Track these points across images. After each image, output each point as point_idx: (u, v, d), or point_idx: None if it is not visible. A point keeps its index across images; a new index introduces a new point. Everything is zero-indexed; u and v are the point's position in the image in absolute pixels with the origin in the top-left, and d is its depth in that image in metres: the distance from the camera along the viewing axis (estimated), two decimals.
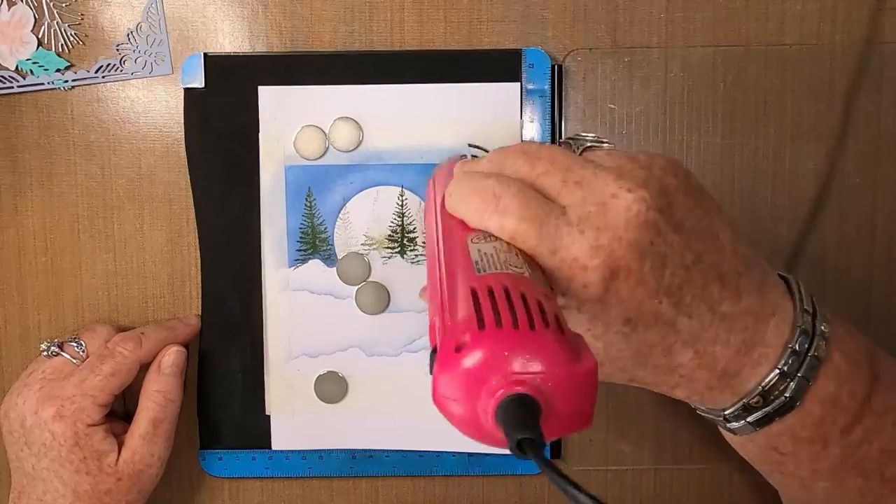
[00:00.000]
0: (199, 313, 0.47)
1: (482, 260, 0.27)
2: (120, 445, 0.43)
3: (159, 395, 0.44)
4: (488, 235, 0.29)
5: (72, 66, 0.46)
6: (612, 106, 0.46)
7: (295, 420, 0.47)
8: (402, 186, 0.46)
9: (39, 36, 0.45)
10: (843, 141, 0.46)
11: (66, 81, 0.46)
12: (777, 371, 0.31)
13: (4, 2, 0.45)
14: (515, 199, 0.28)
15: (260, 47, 0.46)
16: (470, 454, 0.47)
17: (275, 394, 0.47)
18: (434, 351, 0.26)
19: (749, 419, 0.32)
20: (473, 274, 0.27)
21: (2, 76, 0.45)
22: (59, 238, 0.47)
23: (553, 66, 0.45)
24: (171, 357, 0.44)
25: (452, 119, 0.45)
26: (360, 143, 0.46)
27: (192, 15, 0.46)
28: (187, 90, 0.46)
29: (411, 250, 0.46)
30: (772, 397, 0.31)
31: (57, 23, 0.45)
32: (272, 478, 0.48)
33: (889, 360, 0.34)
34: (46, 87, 0.46)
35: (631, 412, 0.48)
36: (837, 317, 0.33)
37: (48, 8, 0.45)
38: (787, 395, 0.31)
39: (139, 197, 0.47)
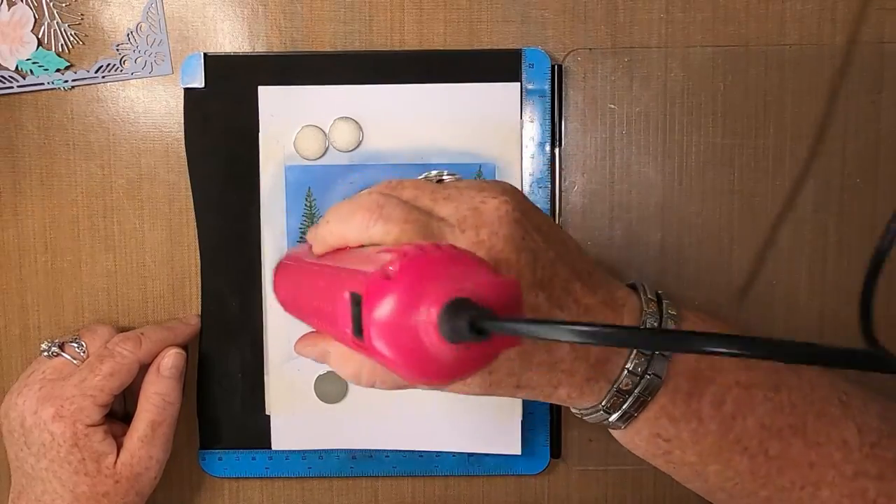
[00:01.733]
0: (199, 313, 0.47)
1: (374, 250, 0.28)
2: (119, 447, 0.43)
3: (158, 397, 0.44)
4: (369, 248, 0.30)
5: (72, 66, 0.46)
6: (612, 106, 0.46)
7: (295, 420, 0.47)
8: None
9: (39, 36, 0.45)
10: (843, 141, 0.46)
11: (66, 81, 0.46)
12: (635, 351, 0.33)
13: (4, 2, 0.45)
14: (398, 207, 0.30)
15: (260, 47, 0.46)
16: (470, 454, 0.47)
17: (275, 394, 0.47)
18: (356, 305, 0.25)
19: (625, 405, 0.34)
20: (375, 250, 0.28)
21: (2, 76, 0.45)
22: (59, 238, 0.47)
23: (553, 66, 0.45)
24: (171, 359, 0.45)
25: (452, 119, 0.45)
26: (360, 143, 0.46)
27: (192, 15, 0.46)
28: (187, 90, 0.46)
29: None
30: (638, 377, 0.33)
31: (57, 23, 0.45)
32: (272, 478, 0.48)
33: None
34: (46, 87, 0.46)
35: None
36: (688, 306, 0.36)
37: (48, 8, 0.45)
38: (650, 373, 0.33)
39: (139, 197, 0.47)
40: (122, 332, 0.45)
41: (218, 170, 0.46)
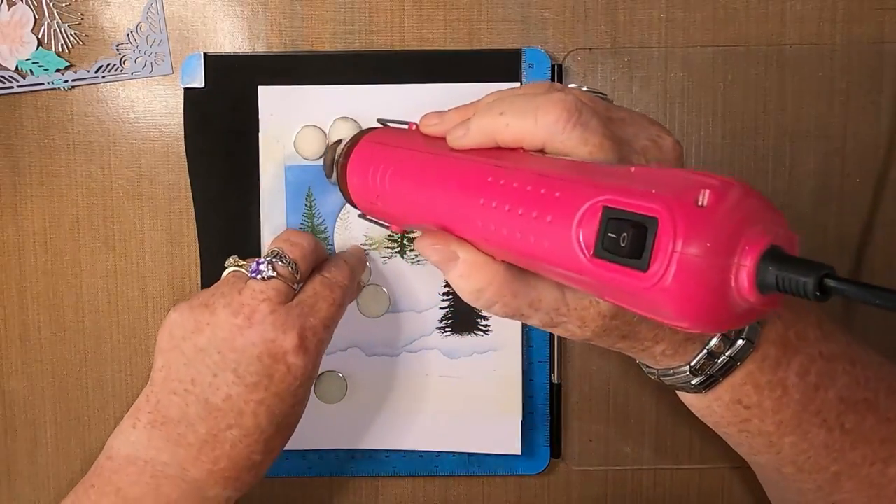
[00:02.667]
0: None
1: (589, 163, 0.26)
2: None
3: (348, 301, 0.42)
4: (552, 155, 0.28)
5: (72, 66, 0.46)
6: None
7: None
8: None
9: (39, 36, 0.45)
10: (843, 141, 0.46)
11: (66, 81, 0.46)
12: None
13: (4, 2, 0.45)
14: (595, 118, 0.28)
15: (260, 47, 0.46)
16: (470, 454, 0.47)
17: None
18: (632, 227, 0.22)
19: (714, 369, 0.32)
20: (611, 166, 0.25)
21: (2, 76, 0.45)
22: (59, 238, 0.47)
23: (553, 66, 0.45)
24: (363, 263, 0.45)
25: None
26: None
27: (192, 15, 0.46)
28: (187, 90, 0.46)
29: (411, 250, 0.46)
30: (731, 341, 0.32)
31: (57, 23, 0.45)
32: (272, 478, 0.48)
33: (824, 313, 0.35)
34: (46, 87, 0.46)
35: (631, 412, 0.48)
36: None
37: (48, 8, 0.45)
38: (743, 336, 0.32)
39: (139, 197, 0.47)
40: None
41: (218, 170, 0.46)
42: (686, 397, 0.35)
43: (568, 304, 0.30)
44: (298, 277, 0.40)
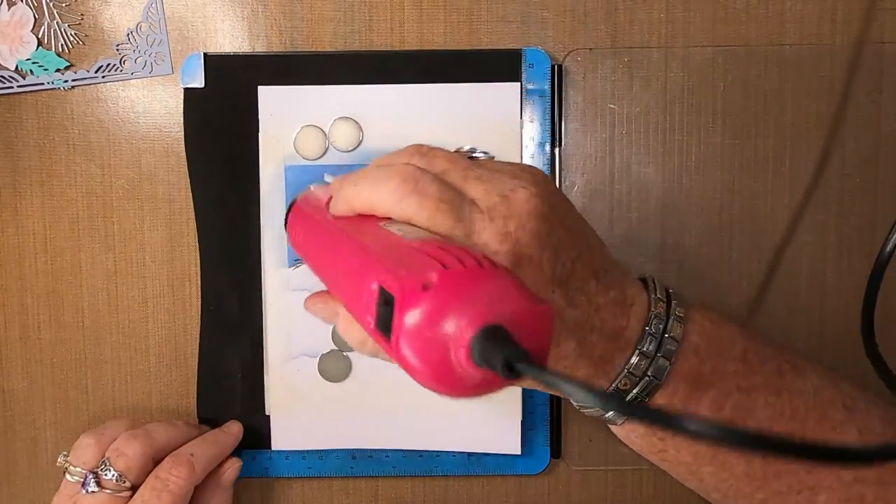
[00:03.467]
0: (200, 313, 0.47)
1: (408, 234, 0.28)
2: None
3: None
4: (401, 222, 0.29)
5: (72, 66, 0.46)
6: (612, 106, 0.46)
7: (295, 420, 0.47)
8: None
9: (39, 36, 0.45)
10: (843, 141, 0.46)
11: (66, 81, 0.46)
12: (637, 352, 0.33)
13: (4, 2, 0.45)
14: (434, 184, 0.29)
15: (260, 47, 0.46)
16: (470, 454, 0.47)
17: (275, 394, 0.47)
18: (385, 303, 0.25)
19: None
20: (407, 242, 0.27)
21: (2, 76, 0.45)
22: (59, 238, 0.47)
23: (553, 66, 0.45)
24: (234, 473, 0.45)
25: (452, 119, 0.45)
26: (360, 143, 0.46)
27: (192, 15, 0.46)
28: (187, 90, 0.46)
29: None
30: (637, 378, 0.33)
31: (57, 23, 0.45)
32: (272, 478, 0.48)
33: (760, 343, 0.35)
34: (46, 87, 0.46)
35: None
36: (702, 306, 0.35)
37: (48, 8, 0.45)
38: (649, 374, 0.32)
39: (139, 197, 0.47)
40: (128, 421, 0.45)
41: (218, 170, 0.46)
42: (611, 427, 0.36)
43: None
44: (128, 486, 0.41)
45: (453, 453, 0.48)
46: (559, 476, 0.48)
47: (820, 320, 0.47)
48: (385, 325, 0.25)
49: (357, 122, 0.45)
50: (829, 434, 0.34)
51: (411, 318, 0.23)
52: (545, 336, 0.24)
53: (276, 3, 0.46)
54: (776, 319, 0.46)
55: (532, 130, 0.45)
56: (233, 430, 0.46)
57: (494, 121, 0.45)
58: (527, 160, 0.46)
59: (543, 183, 0.31)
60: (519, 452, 0.47)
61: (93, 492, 0.41)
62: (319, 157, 0.46)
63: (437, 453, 0.47)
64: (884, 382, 0.34)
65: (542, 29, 0.46)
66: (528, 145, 0.46)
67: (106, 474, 0.41)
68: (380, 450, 0.48)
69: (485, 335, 0.23)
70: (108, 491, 0.41)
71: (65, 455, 0.43)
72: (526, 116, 0.45)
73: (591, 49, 0.45)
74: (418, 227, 0.29)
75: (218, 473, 0.45)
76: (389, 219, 0.30)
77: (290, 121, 0.46)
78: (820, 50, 0.45)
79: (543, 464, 0.47)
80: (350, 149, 0.46)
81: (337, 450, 0.48)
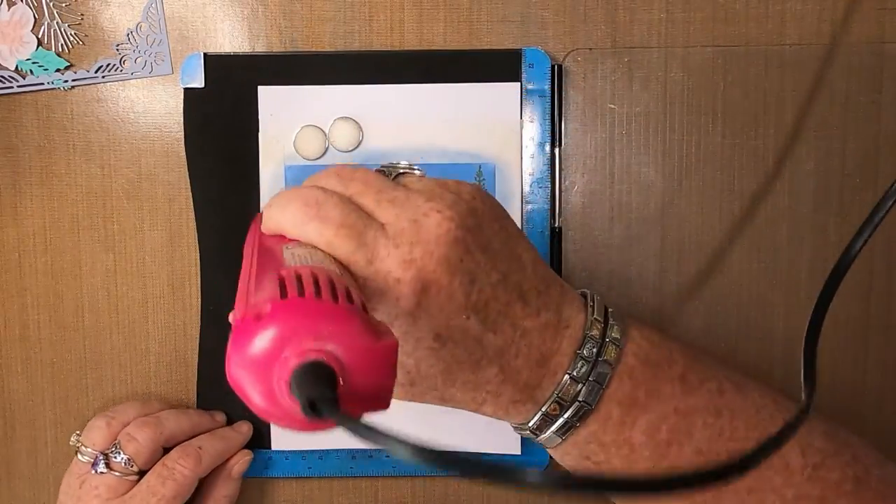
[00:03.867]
0: (200, 313, 0.47)
1: (294, 258, 0.28)
2: None
3: (226, 500, 0.45)
4: (305, 245, 0.29)
5: (72, 66, 0.46)
6: (612, 106, 0.46)
7: None
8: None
9: (39, 36, 0.45)
10: (843, 141, 0.46)
11: (66, 81, 0.46)
12: (567, 376, 0.32)
13: (4, 2, 0.45)
14: (337, 208, 0.29)
15: (259, 47, 0.46)
16: (470, 454, 0.47)
17: None
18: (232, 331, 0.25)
19: (552, 428, 0.33)
20: (283, 266, 0.27)
21: (2, 76, 0.45)
22: (59, 238, 0.47)
23: (553, 66, 0.45)
24: (243, 465, 0.46)
25: (452, 119, 0.45)
26: (360, 143, 0.46)
27: (192, 15, 0.46)
28: (187, 90, 0.46)
29: None
30: (567, 403, 0.32)
31: (57, 23, 0.45)
32: (272, 478, 0.48)
33: (700, 362, 0.35)
34: (46, 87, 0.46)
35: None
36: (642, 325, 0.35)
37: (48, 8, 0.45)
38: (580, 399, 0.32)
39: (139, 197, 0.47)
40: (135, 403, 0.46)
41: (218, 170, 0.46)
42: (546, 448, 0.35)
43: None
44: (135, 470, 0.42)
45: None
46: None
47: None
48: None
49: (357, 122, 0.45)
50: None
51: (238, 348, 0.23)
52: (386, 375, 0.24)
53: (276, 3, 0.46)
54: (775, 319, 0.46)
55: (532, 130, 0.45)
56: (242, 429, 0.47)
57: (494, 121, 0.45)
58: (527, 160, 0.46)
59: (468, 202, 0.30)
60: (519, 452, 0.47)
61: (101, 472, 0.42)
62: (319, 157, 0.46)
63: None
64: (804, 376, 0.34)
65: (542, 29, 0.46)
66: (528, 145, 0.46)
67: (116, 457, 0.42)
68: (380, 450, 0.48)
69: (306, 370, 0.22)
70: (116, 473, 0.42)
71: (77, 435, 0.44)
72: (526, 116, 0.45)
73: (591, 49, 0.45)
74: (322, 251, 0.29)
75: (227, 465, 0.45)
76: (299, 242, 0.30)
77: (289, 121, 0.46)
78: (820, 50, 0.45)
79: (543, 464, 0.47)
80: (350, 149, 0.46)
81: (337, 450, 0.48)
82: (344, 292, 0.25)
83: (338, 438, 0.47)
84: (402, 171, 0.34)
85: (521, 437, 0.47)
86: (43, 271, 0.47)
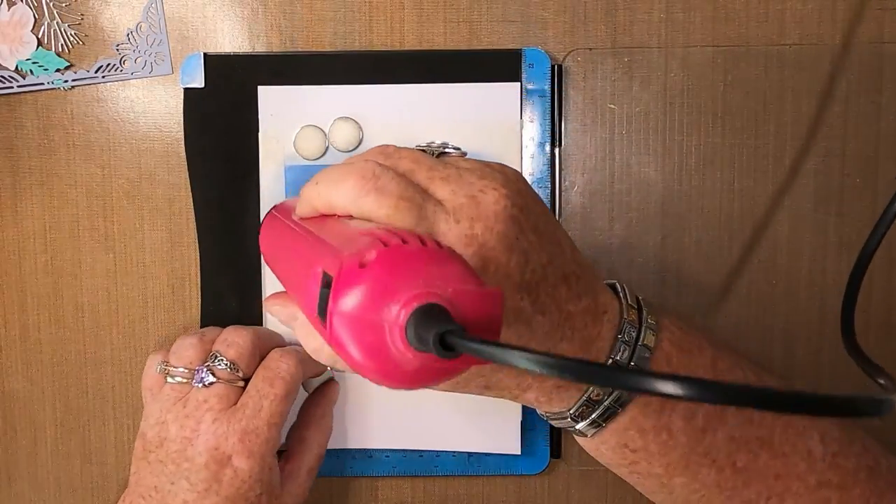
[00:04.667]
0: (200, 313, 0.47)
1: (363, 225, 0.27)
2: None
3: (329, 428, 0.44)
4: (359, 220, 0.28)
5: (72, 66, 0.46)
6: (612, 106, 0.46)
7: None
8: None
9: (39, 36, 0.45)
10: (843, 141, 0.46)
11: (66, 81, 0.46)
12: (610, 361, 0.32)
13: (4, 2, 0.45)
14: (395, 181, 0.28)
15: (259, 47, 0.46)
16: (470, 454, 0.47)
17: None
18: (325, 286, 0.24)
19: (594, 415, 0.33)
20: (357, 228, 0.26)
21: (2, 76, 0.45)
22: (59, 238, 0.47)
23: (553, 66, 0.45)
24: (336, 394, 0.45)
25: (452, 119, 0.45)
26: (360, 143, 0.46)
27: (192, 15, 0.46)
28: (187, 90, 0.46)
29: None
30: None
31: (57, 23, 0.45)
32: None
33: (728, 352, 0.35)
34: (46, 87, 0.46)
35: None
36: (669, 313, 0.36)
37: (48, 8, 0.45)
38: None
39: (139, 197, 0.47)
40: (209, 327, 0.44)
41: (218, 170, 0.46)
42: (579, 440, 0.35)
43: None
44: (241, 375, 0.40)
45: (453, 453, 0.48)
46: (559, 476, 0.48)
47: (820, 320, 0.47)
48: (323, 309, 0.24)
49: (357, 122, 0.45)
50: (797, 440, 0.34)
51: (344, 297, 0.22)
52: (495, 322, 0.23)
53: (276, 3, 0.46)
54: (776, 319, 0.46)
55: (532, 130, 0.45)
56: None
57: (494, 121, 0.45)
58: (527, 160, 0.46)
59: (515, 182, 0.30)
60: (519, 452, 0.47)
61: (209, 384, 0.40)
62: (319, 157, 0.46)
63: (437, 453, 0.47)
64: (864, 371, 0.34)
65: (542, 29, 0.46)
66: (528, 145, 0.46)
67: (219, 365, 0.40)
68: (380, 450, 0.48)
69: (422, 314, 0.21)
70: (223, 381, 0.40)
71: (163, 363, 0.41)
72: (526, 116, 0.45)
73: (591, 49, 0.45)
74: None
75: (323, 390, 0.45)
76: (351, 218, 0.29)
77: (289, 121, 0.46)
78: (820, 50, 0.45)
79: (543, 464, 0.47)
80: (350, 149, 0.46)
81: (337, 450, 0.48)
82: (435, 243, 0.24)
83: (338, 438, 0.47)
84: (442, 150, 0.33)
85: (521, 437, 0.47)
86: (43, 271, 0.47)
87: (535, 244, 0.30)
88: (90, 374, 0.48)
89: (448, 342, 0.20)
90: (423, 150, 0.34)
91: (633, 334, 0.33)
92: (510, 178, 0.30)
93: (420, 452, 0.48)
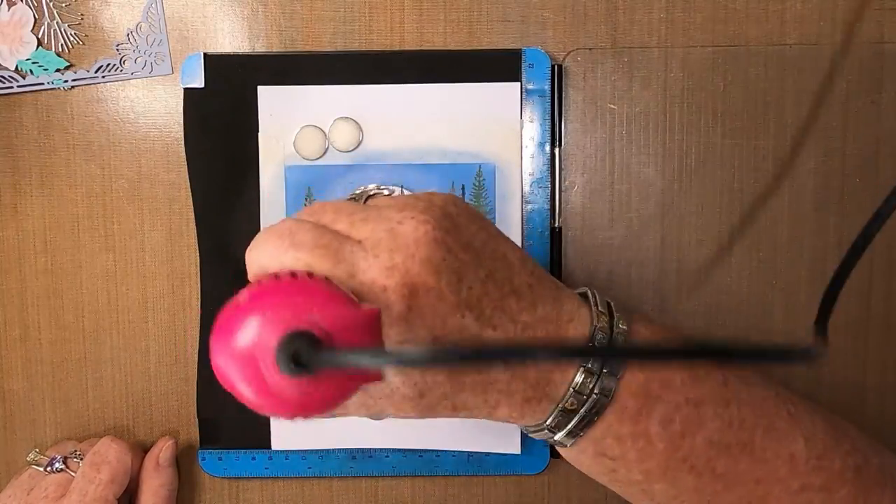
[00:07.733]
0: (200, 313, 0.47)
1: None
2: None
3: (163, 489, 0.45)
4: None
5: (72, 66, 0.46)
6: (612, 106, 0.46)
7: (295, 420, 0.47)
8: (402, 186, 0.46)
9: (39, 36, 0.45)
10: (843, 141, 0.46)
11: (66, 81, 0.46)
12: (582, 369, 0.32)
13: (4, 2, 0.45)
14: (310, 233, 0.29)
15: (259, 47, 0.46)
16: (470, 454, 0.47)
17: None
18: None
19: (570, 425, 0.33)
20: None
21: (2, 76, 0.45)
22: (59, 238, 0.47)
23: (553, 66, 0.45)
24: (169, 451, 0.46)
25: (452, 119, 0.45)
26: (360, 143, 0.46)
27: (192, 15, 0.46)
28: (187, 90, 0.46)
29: None
30: (584, 396, 0.32)
31: (57, 23, 0.45)
32: (272, 478, 0.48)
33: None
34: (46, 87, 0.46)
35: None
36: (641, 317, 0.35)
37: (48, 8, 0.45)
38: (596, 391, 0.32)
39: (139, 197, 0.47)
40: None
41: (218, 170, 0.46)
42: (559, 450, 0.35)
43: (371, 395, 0.31)
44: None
45: (453, 453, 0.48)
46: (559, 476, 0.48)
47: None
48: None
49: (357, 122, 0.45)
50: (779, 443, 0.34)
51: (220, 337, 0.23)
52: (374, 341, 0.24)
53: (275, 3, 0.46)
54: (776, 319, 0.46)
55: (532, 130, 0.45)
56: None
57: (494, 121, 0.45)
58: (527, 160, 0.46)
59: (441, 207, 0.31)
60: (519, 452, 0.47)
61: (58, 470, 0.44)
62: (319, 157, 0.46)
63: (437, 453, 0.48)
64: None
65: (542, 29, 0.46)
66: (528, 145, 0.46)
67: (73, 458, 0.44)
68: (380, 450, 0.48)
69: (290, 341, 0.22)
70: (70, 471, 0.44)
71: (37, 452, 0.46)
72: (526, 116, 0.45)
73: (591, 49, 0.45)
74: None
75: (153, 456, 0.46)
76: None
77: (289, 121, 0.46)
78: (820, 50, 0.45)
79: (543, 464, 0.47)
80: (350, 149, 0.46)
81: (337, 450, 0.48)
82: (322, 276, 0.25)
83: (338, 438, 0.47)
84: (371, 193, 0.34)
85: (521, 437, 0.47)
86: (43, 271, 0.47)
87: (468, 262, 0.30)
88: (90, 374, 0.48)
89: (300, 360, 0.21)
90: (353, 198, 0.34)
91: (605, 341, 0.33)
92: (434, 204, 0.31)
93: (420, 452, 0.48)
